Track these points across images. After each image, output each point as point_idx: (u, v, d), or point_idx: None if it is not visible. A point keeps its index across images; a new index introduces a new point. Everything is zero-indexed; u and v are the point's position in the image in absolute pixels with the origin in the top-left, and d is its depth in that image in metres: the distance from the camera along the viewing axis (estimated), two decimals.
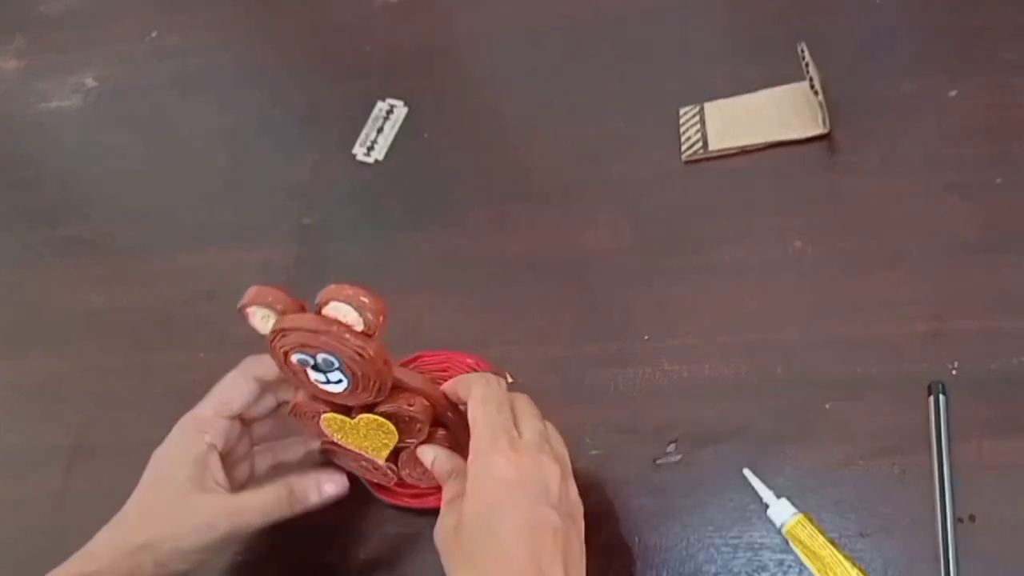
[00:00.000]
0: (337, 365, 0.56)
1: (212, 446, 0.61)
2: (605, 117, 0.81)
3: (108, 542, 0.60)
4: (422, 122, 0.86)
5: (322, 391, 0.59)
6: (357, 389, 0.57)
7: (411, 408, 0.59)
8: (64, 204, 0.93)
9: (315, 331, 0.55)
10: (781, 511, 0.60)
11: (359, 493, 0.68)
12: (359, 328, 0.55)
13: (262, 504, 0.61)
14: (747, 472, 0.62)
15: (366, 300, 0.54)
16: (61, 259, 0.89)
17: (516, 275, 0.75)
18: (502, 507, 0.52)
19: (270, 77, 0.96)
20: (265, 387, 0.63)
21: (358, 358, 0.55)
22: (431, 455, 0.60)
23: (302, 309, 0.57)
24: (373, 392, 0.58)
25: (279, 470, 0.66)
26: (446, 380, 0.67)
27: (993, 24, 0.75)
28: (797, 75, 0.76)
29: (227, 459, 0.62)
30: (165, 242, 0.86)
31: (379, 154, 0.85)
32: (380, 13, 0.94)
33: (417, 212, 0.81)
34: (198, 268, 0.84)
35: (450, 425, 0.62)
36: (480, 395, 0.57)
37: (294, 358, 0.57)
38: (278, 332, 0.56)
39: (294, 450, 0.67)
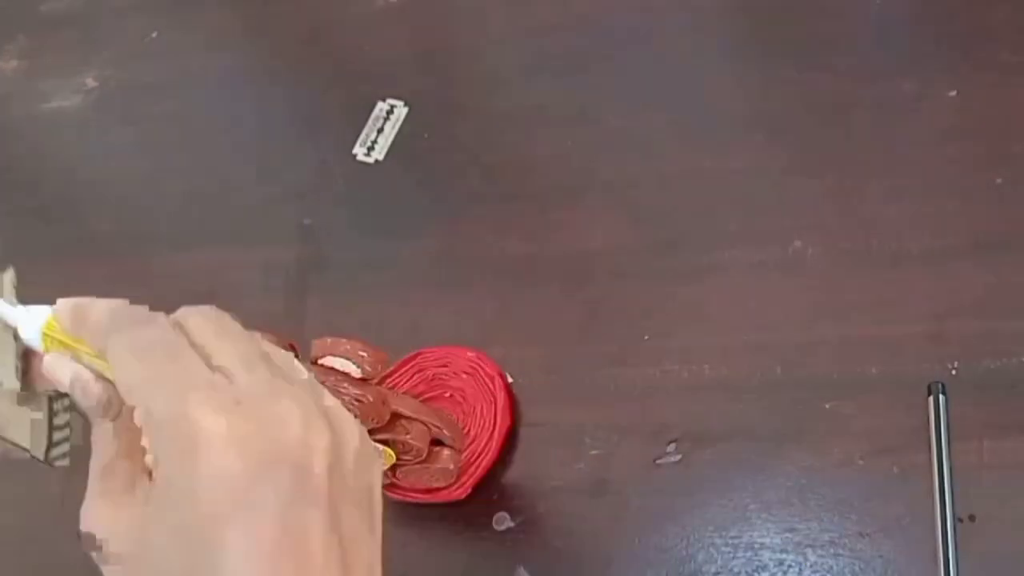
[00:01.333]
0: None
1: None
2: (605, 117, 0.80)
3: None
4: (422, 122, 0.86)
5: None
6: None
7: (409, 436, 0.59)
8: (64, 204, 0.93)
9: None
10: (34, 318, 0.44)
11: None
12: (357, 375, 0.54)
13: None
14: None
15: (364, 355, 0.53)
16: (61, 259, 0.89)
17: (516, 275, 0.75)
18: (226, 522, 0.32)
19: (270, 77, 0.95)
20: None
21: (357, 403, 0.55)
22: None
23: (292, 350, 0.56)
24: (371, 425, 0.58)
25: None
26: (447, 383, 0.67)
27: (993, 24, 0.74)
28: (795, 76, 0.77)
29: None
30: (165, 242, 0.86)
31: (379, 154, 0.85)
32: (381, 13, 0.94)
33: (417, 212, 0.81)
34: (198, 268, 0.84)
35: (448, 443, 0.62)
36: (126, 345, 0.36)
37: None
38: None
39: None
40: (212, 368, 0.35)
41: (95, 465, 0.38)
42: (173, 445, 0.33)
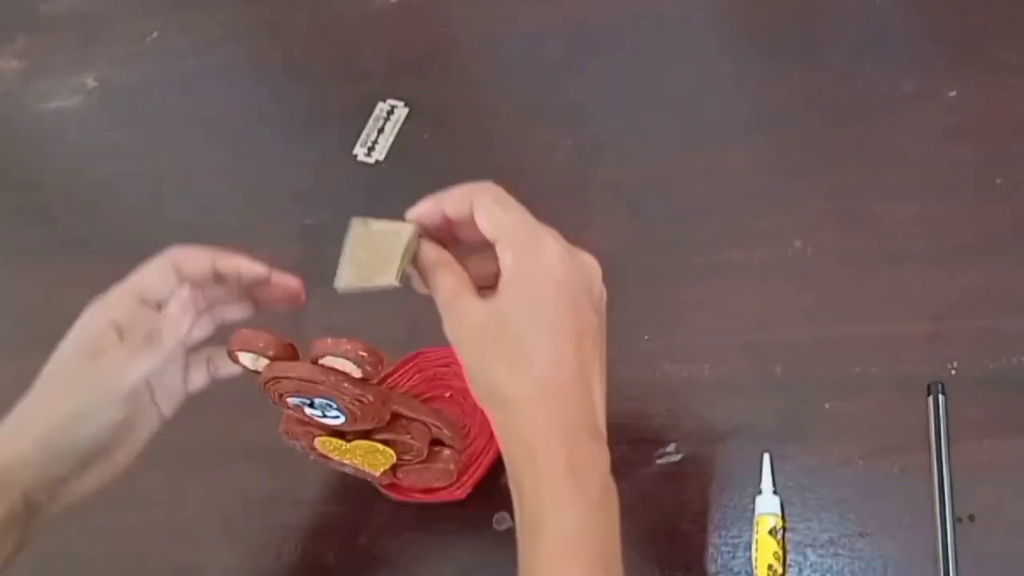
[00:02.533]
0: (335, 406, 0.56)
1: (113, 326, 0.57)
2: (605, 117, 0.80)
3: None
4: (423, 122, 0.86)
5: (319, 422, 0.58)
6: (355, 423, 0.57)
7: (409, 435, 0.59)
8: (65, 204, 0.93)
9: (312, 381, 0.54)
10: (766, 503, 0.60)
11: (360, 491, 0.68)
12: (357, 375, 0.54)
13: (128, 350, 0.57)
14: (766, 457, 0.62)
15: (364, 355, 0.54)
16: (61, 259, 0.89)
17: None
18: (549, 304, 0.49)
19: (271, 78, 0.96)
20: (189, 280, 0.59)
21: (357, 403, 0.55)
22: (418, 247, 0.53)
23: (292, 350, 0.56)
24: (371, 424, 0.58)
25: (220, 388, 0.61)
26: (447, 383, 0.67)
27: (993, 24, 0.75)
28: (795, 76, 0.77)
29: (158, 375, 0.58)
30: (165, 242, 0.86)
31: (380, 154, 0.85)
32: (381, 14, 0.94)
33: None
34: None
35: (448, 442, 0.62)
36: (492, 198, 0.51)
37: (289, 400, 0.57)
38: (272, 379, 0.56)
39: (233, 367, 0.60)
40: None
41: (448, 286, 0.51)
42: (528, 247, 0.50)
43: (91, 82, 1.01)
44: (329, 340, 0.54)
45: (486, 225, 0.50)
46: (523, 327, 0.48)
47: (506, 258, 0.49)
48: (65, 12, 1.08)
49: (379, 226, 0.54)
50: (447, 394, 0.68)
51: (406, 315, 0.75)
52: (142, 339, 0.57)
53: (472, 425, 0.66)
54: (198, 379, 0.61)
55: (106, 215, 0.91)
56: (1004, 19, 0.75)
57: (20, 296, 0.89)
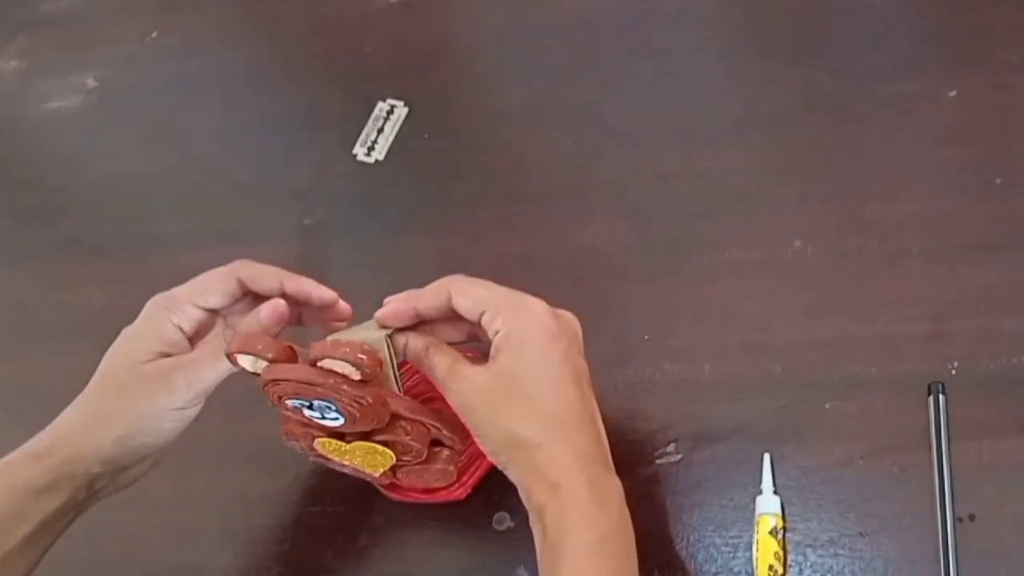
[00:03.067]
0: (334, 408, 0.56)
1: (178, 328, 0.60)
2: (605, 117, 0.81)
3: (63, 419, 0.59)
4: (423, 122, 0.86)
5: (318, 424, 0.58)
6: (354, 425, 0.57)
7: (408, 437, 0.59)
8: (65, 204, 0.93)
9: (311, 383, 0.54)
10: (766, 503, 0.61)
11: (360, 491, 0.68)
12: (356, 377, 0.55)
13: (209, 349, 0.60)
14: (766, 457, 0.63)
15: (363, 357, 0.54)
16: (61, 259, 0.89)
17: (516, 275, 0.75)
18: (549, 354, 0.54)
19: (271, 77, 0.96)
20: (248, 293, 0.62)
21: (356, 405, 0.55)
22: (403, 340, 0.58)
23: (291, 352, 0.56)
24: (371, 426, 0.58)
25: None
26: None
27: (993, 24, 0.75)
28: (795, 76, 0.77)
29: (194, 341, 0.61)
30: (165, 242, 0.87)
31: (380, 154, 0.85)
32: (380, 13, 0.94)
33: (417, 212, 0.81)
34: (199, 268, 0.83)
35: (447, 444, 0.62)
36: (468, 282, 0.56)
37: (288, 402, 0.57)
38: (271, 381, 0.56)
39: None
40: None
41: (443, 363, 0.55)
42: (514, 308, 0.54)
43: (91, 82, 1.01)
44: (328, 342, 0.54)
45: (470, 305, 0.55)
46: (528, 377, 0.53)
47: (496, 325, 0.54)
48: (65, 12, 1.08)
49: (355, 336, 0.57)
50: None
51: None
52: (214, 346, 0.59)
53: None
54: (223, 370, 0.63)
55: (105, 215, 0.91)
56: (1004, 19, 0.75)
57: (20, 296, 0.89)
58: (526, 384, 0.53)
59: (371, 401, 0.55)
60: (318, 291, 0.62)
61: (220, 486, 0.73)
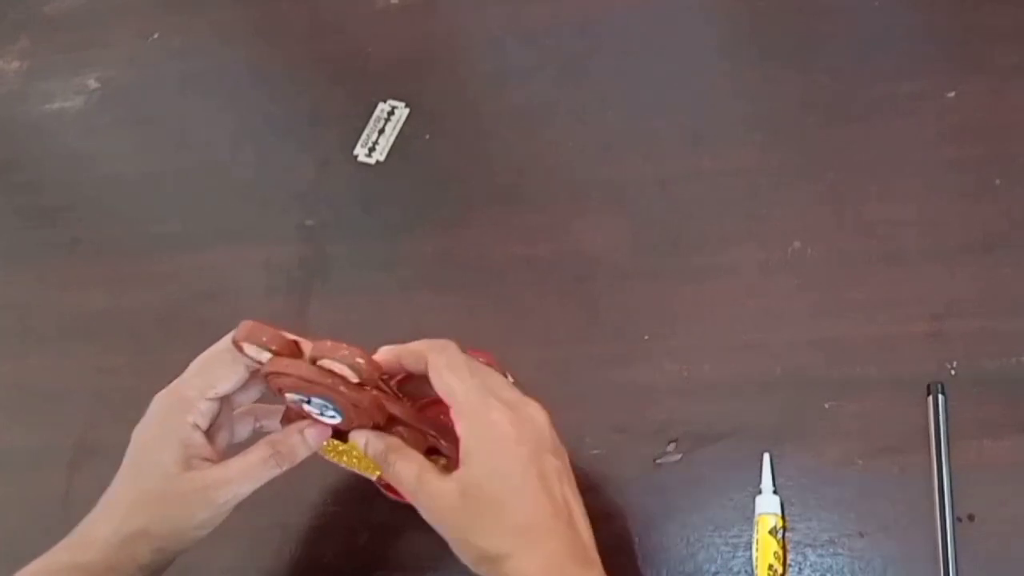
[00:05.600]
0: (332, 407, 0.56)
1: (196, 427, 0.60)
2: (605, 117, 0.81)
3: (101, 531, 0.59)
4: (423, 123, 0.86)
5: (317, 419, 0.59)
6: (351, 424, 0.58)
7: (405, 441, 0.59)
8: (66, 204, 0.93)
9: (310, 381, 0.55)
10: (766, 503, 0.61)
11: (360, 491, 0.68)
12: (354, 380, 0.55)
13: (248, 468, 0.59)
14: (766, 457, 0.63)
15: (361, 361, 0.54)
16: (62, 260, 0.89)
17: (516, 275, 0.75)
18: (510, 463, 0.53)
19: (272, 78, 0.96)
20: (254, 372, 0.61)
21: (352, 407, 0.56)
22: (363, 439, 0.58)
23: (295, 347, 0.57)
24: (367, 427, 0.58)
25: (261, 435, 0.63)
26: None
27: (993, 24, 0.75)
28: (795, 76, 0.77)
29: (207, 431, 0.61)
30: (166, 242, 0.87)
31: (380, 155, 0.85)
32: (381, 14, 0.94)
33: (418, 212, 0.81)
34: (199, 268, 0.84)
35: (444, 452, 0.62)
36: (445, 363, 0.56)
37: (289, 396, 0.57)
38: (273, 373, 0.56)
39: (276, 415, 0.64)
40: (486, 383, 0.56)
41: (410, 474, 0.56)
42: (477, 416, 0.54)
43: (93, 83, 1.01)
44: (328, 343, 0.55)
45: (440, 391, 0.56)
46: (492, 490, 0.53)
47: (460, 428, 0.55)
48: (67, 13, 1.09)
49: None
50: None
51: (406, 315, 0.76)
52: (250, 464, 0.60)
53: None
54: (243, 432, 0.64)
55: (106, 215, 0.91)
56: (1004, 19, 0.75)
57: (20, 296, 0.89)
58: (490, 497, 0.53)
59: (366, 404, 0.55)
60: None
61: None
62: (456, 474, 0.54)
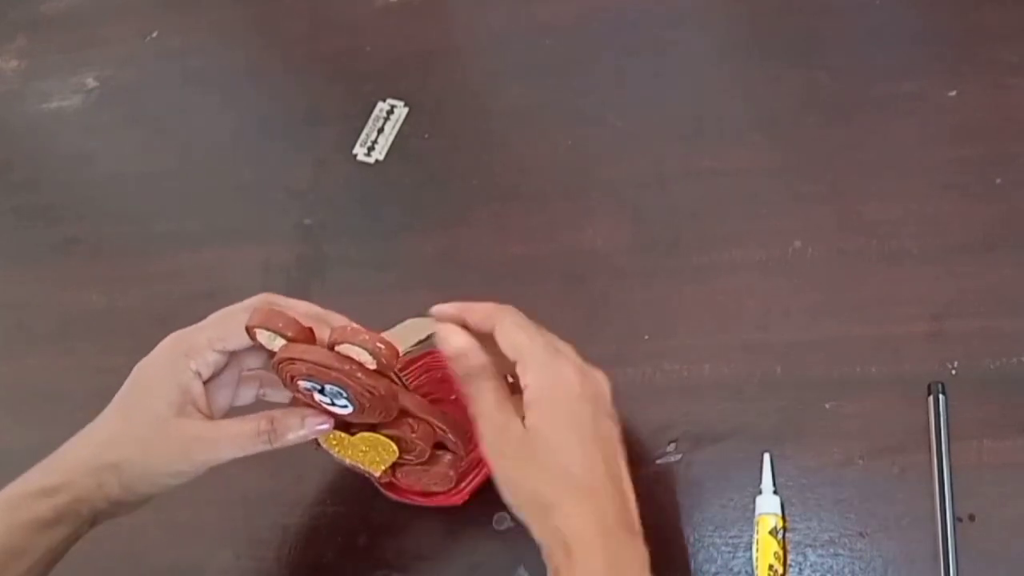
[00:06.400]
0: (345, 395, 0.56)
1: (197, 374, 0.59)
2: (605, 117, 0.81)
3: (75, 456, 0.59)
4: (422, 122, 0.86)
5: (326, 410, 0.58)
6: (363, 414, 0.57)
7: (415, 434, 0.59)
8: (65, 204, 0.93)
9: (327, 367, 0.54)
10: (766, 503, 0.61)
11: (360, 491, 0.68)
12: (371, 366, 0.55)
13: (239, 435, 0.59)
14: (766, 457, 0.63)
15: (382, 347, 0.54)
16: (61, 259, 0.89)
17: (516, 275, 0.75)
18: (574, 415, 0.54)
19: (271, 77, 0.96)
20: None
21: (368, 395, 0.55)
22: (460, 341, 0.57)
23: (310, 334, 0.57)
24: (378, 418, 0.58)
25: (264, 405, 0.63)
26: (452, 384, 0.67)
27: (993, 24, 0.75)
28: (795, 76, 0.77)
29: (210, 384, 0.61)
30: (165, 242, 0.87)
31: (380, 154, 0.85)
32: (380, 13, 0.94)
33: (417, 212, 0.81)
34: (198, 268, 0.84)
35: (451, 447, 0.62)
36: (513, 321, 0.56)
37: (301, 383, 0.57)
38: (286, 359, 0.56)
39: (283, 392, 0.63)
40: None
41: (489, 398, 0.55)
42: (545, 368, 0.55)
43: (91, 82, 1.01)
44: (349, 328, 0.55)
45: (507, 348, 0.56)
46: (554, 440, 0.53)
47: (527, 378, 0.54)
48: (66, 12, 1.08)
49: (407, 334, 0.60)
50: (452, 397, 0.68)
51: (406, 315, 0.75)
52: (239, 434, 0.59)
53: (475, 432, 0.66)
54: (246, 396, 0.64)
55: (106, 215, 0.91)
56: (1004, 19, 0.75)
57: (20, 296, 0.89)
58: (550, 444, 0.53)
59: (383, 392, 0.55)
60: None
61: (220, 486, 0.72)
62: (524, 416, 0.54)
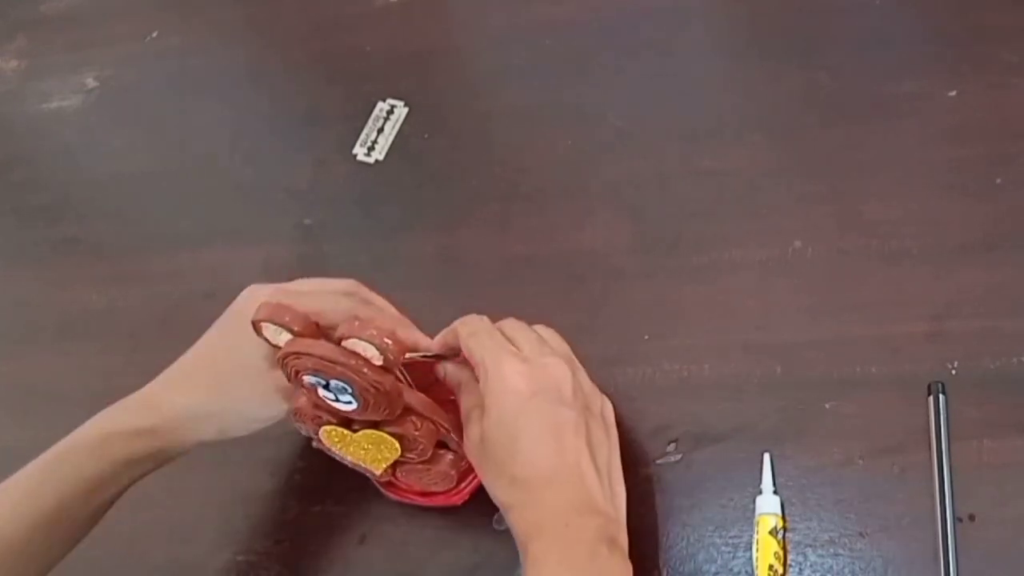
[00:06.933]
0: (350, 391, 0.56)
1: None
2: (605, 117, 0.81)
3: (171, 402, 0.62)
4: (422, 122, 0.86)
5: (329, 405, 0.58)
6: (367, 411, 0.57)
7: (418, 432, 0.59)
8: (64, 204, 0.93)
9: (333, 361, 0.55)
10: (766, 503, 0.61)
11: (360, 491, 0.68)
12: (378, 362, 0.55)
13: None
14: (766, 457, 0.63)
15: (389, 342, 0.54)
16: (61, 259, 0.89)
17: (516, 275, 0.75)
18: (520, 416, 0.55)
19: (270, 77, 0.96)
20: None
21: (373, 390, 0.55)
22: (442, 371, 0.61)
23: (316, 328, 0.57)
24: (382, 415, 0.58)
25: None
26: (451, 389, 0.67)
27: (993, 24, 0.75)
28: (795, 76, 0.77)
29: None
30: (165, 242, 0.87)
31: (379, 154, 0.85)
32: (380, 13, 0.94)
33: (417, 212, 0.81)
34: (198, 268, 0.84)
35: (453, 447, 0.62)
36: (466, 332, 0.59)
37: (306, 379, 0.57)
38: (292, 354, 0.56)
39: None
40: (513, 343, 0.59)
41: (465, 407, 0.59)
42: (491, 370, 0.56)
43: (91, 82, 1.01)
44: (357, 322, 0.55)
45: (467, 355, 0.58)
46: (499, 441, 0.56)
47: (481, 386, 0.57)
48: (65, 12, 1.09)
49: None
50: (452, 397, 0.68)
51: (406, 315, 0.75)
52: None
53: None
54: None
55: (105, 215, 0.91)
56: (1004, 19, 0.75)
57: (20, 296, 0.89)
58: (498, 447, 0.55)
59: (388, 388, 0.55)
60: (426, 344, 0.63)
61: (220, 485, 0.73)
62: (478, 420, 0.57)
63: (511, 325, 0.60)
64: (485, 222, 0.78)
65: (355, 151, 0.86)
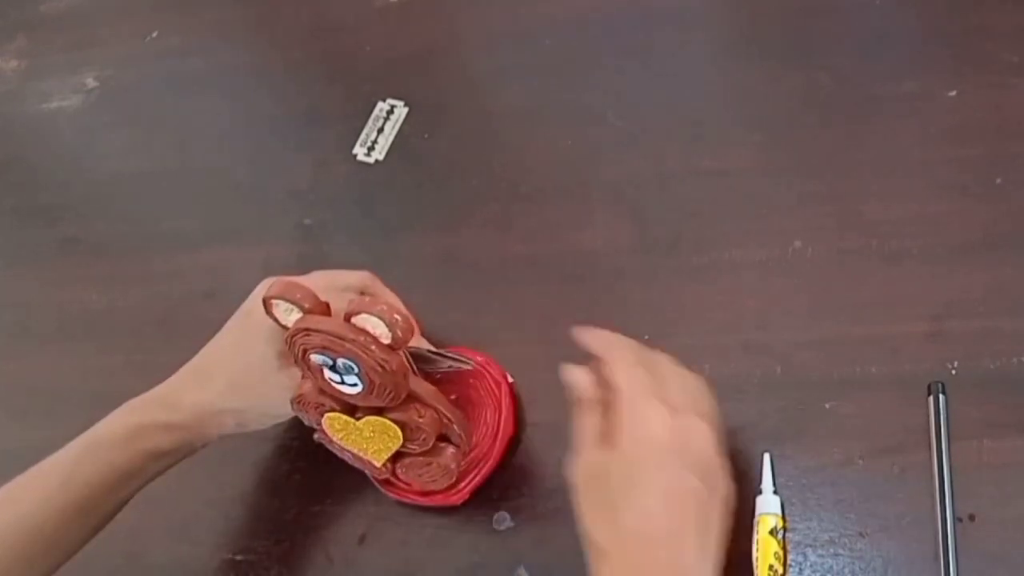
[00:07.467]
0: (356, 371, 0.56)
1: None
2: (605, 117, 0.80)
3: (195, 399, 0.64)
4: (422, 122, 0.86)
5: (334, 389, 0.58)
6: (371, 394, 0.57)
7: (421, 420, 0.59)
8: (64, 204, 0.93)
9: (341, 337, 0.55)
10: (766, 503, 0.61)
11: (360, 491, 0.68)
12: (386, 341, 0.55)
13: None
14: (766, 457, 0.63)
15: (398, 318, 0.54)
16: (61, 259, 0.89)
17: (516, 275, 0.75)
18: (649, 466, 0.53)
19: (270, 77, 0.96)
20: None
21: (379, 369, 0.55)
22: (568, 373, 0.59)
23: (327, 307, 0.57)
24: (387, 399, 0.58)
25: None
26: (454, 387, 0.67)
27: (993, 24, 0.75)
28: (795, 76, 0.77)
29: None
30: (165, 242, 0.87)
31: (379, 154, 0.85)
32: (380, 13, 0.94)
33: (417, 212, 0.81)
34: (198, 268, 0.84)
35: (454, 440, 0.62)
36: (620, 357, 0.57)
37: (313, 357, 0.57)
38: (302, 331, 0.56)
39: None
40: (664, 384, 0.56)
41: (585, 428, 0.56)
42: (637, 413, 0.54)
43: (91, 82, 1.01)
44: (367, 298, 0.55)
45: (614, 382, 0.56)
46: (619, 483, 0.53)
47: (621, 419, 0.55)
48: (65, 12, 1.09)
49: None
50: (452, 396, 0.68)
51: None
52: None
53: (476, 430, 0.66)
54: None
55: (105, 215, 0.91)
56: (1004, 19, 0.75)
57: (20, 296, 0.89)
58: (616, 489, 0.53)
59: (394, 368, 0.55)
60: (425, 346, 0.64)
61: (220, 485, 0.73)
62: (606, 453, 0.54)
63: (666, 365, 0.58)
64: (485, 222, 0.78)
65: (355, 151, 0.86)
